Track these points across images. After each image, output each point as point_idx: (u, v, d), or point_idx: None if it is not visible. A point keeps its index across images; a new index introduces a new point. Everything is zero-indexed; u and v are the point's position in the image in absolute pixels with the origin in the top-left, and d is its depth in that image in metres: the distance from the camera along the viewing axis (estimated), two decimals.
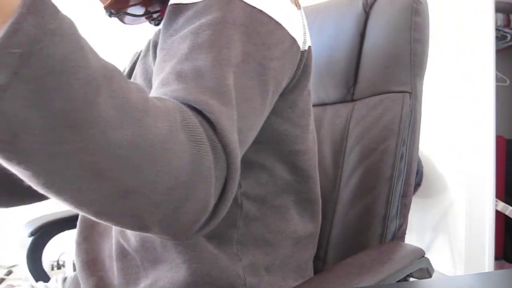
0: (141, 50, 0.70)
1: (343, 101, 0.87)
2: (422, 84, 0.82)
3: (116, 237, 0.60)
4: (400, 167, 0.78)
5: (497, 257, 2.19)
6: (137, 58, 0.72)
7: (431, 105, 2.23)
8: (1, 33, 0.25)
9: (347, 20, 0.88)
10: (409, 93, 0.80)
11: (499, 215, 2.12)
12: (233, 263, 0.57)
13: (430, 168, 2.28)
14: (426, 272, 0.73)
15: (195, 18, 0.49)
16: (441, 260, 2.26)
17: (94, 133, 0.29)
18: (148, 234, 0.48)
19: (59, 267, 2.26)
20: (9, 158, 0.28)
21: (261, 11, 0.51)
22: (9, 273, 2.26)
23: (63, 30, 0.28)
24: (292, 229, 0.63)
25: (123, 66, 0.76)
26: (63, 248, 2.13)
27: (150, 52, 0.60)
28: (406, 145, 0.79)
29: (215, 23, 0.47)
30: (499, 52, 2.21)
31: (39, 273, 0.86)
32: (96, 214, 0.34)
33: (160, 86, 0.44)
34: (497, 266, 2.22)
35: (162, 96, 0.41)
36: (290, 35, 0.54)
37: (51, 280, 0.79)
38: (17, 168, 0.29)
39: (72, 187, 0.30)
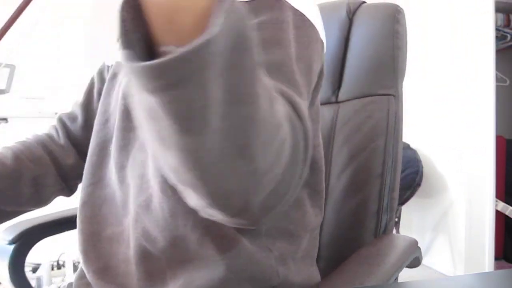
0: None
1: (327, 102, 0.92)
2: (402, 87, 0.89)
3: (137, 239, 0.58)
4: (389, 164, 0.83)
5: (497, 257, 2.20)
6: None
7: (431, 105, 2.23)
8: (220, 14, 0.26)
9: (331, 25, 0.93)
10: (394, 95, 0.86)
11: (499, 215, 2.13)
12: (266, 255, 0.59)
13: (430, 168, 2.28)
14: (418, 260, 0.79)
15: (253, 14, 0.51)
16: (441, 260, 2.26)
17: (250, 110, 0.30)
18: (182, 233, 0.53)
19: (59, 267, 2.26)
20: (191, 129, 0.29)
21: (302, 14, 0.54)
22: None
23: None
24: (307, 220, 0.65)
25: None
26: (63, 248, 2.14)
27: None
28: (392, 143, 0.84)
29: (275, 22, 0.51)
30: (499, 52, 2.21)
31: (22, 284, 0.80)
32: (220, 194, 0.34)
33: None
34: (497, 266, 2.22)
35: None
36: (320, 38, 0.58)
37: None
38: (185, 142, 0.29)
39: (219, 165, 0.31)
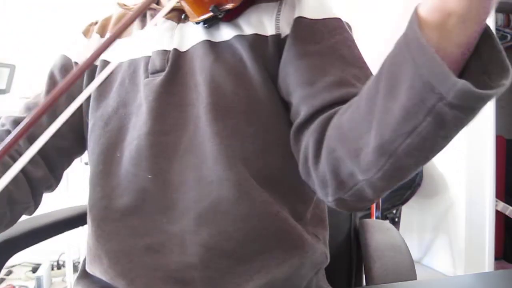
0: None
1: None
2: None
3: (204, 244, 0.57)
4: None
5: (497, 257, 2.20)
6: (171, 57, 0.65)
7: None
8: None
9: None
10: None
11: (499, 215, 2.12)
12: (316, 241, 0.65)
13: (430, 168, 2.29)
14: None
15: (332, 32, 0.60)
16: (441, 260, 2.26)
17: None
18: (257, 231, 0.58)
19: (59, 267, 2.26)
20: (448, 138, 0.41)
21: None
22: (9, 273, 2.27)
23: None
24: (323, 207, 0.72)
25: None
26: (63, 248, 2.14)
27: (240, 53, 0.61)
28: None
29: (350, 40, 0.61)
30: None
31: None
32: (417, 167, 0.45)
33: (337, 84, 0.55)
34: (497, 266, 2.22)
35: (350, 90, 0.53)
36: None
37: None
38: (443, 146, 0.41)
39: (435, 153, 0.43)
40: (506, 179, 2.29)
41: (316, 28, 0.60)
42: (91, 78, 0.69)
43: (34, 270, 2.23)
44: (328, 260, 0.69)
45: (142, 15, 0.69)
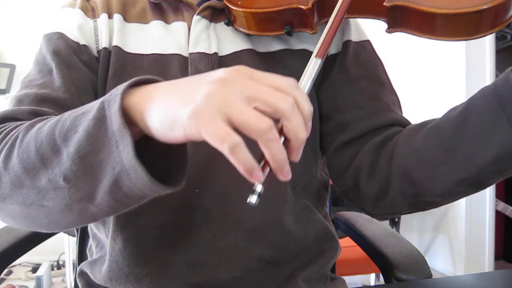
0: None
1: None
2: None
3: (254, 258, 0.57)
4: None
5: (497, 257, 2.20)
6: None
7: (431, 106, 2.23)
8: None
9: None
10: None
11: (499, 215, 2.12)
12: (330, 223, 0.69)
13: None
14: None
15: (370, 55, 0.66)
16: (441, 260, 2.26)
17: None
18: (307, 239, 0.62)
19: (59, 267, 2.26)
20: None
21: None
22: (9, 273, 2.27)
23: None
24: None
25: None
26: (63, 248, 2.13)
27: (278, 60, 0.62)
28: None
29: (381, 64, 0.66)
30: (499, 52, 2.21)
31: None
32: None
33: (384, 110, 0.61)
34: (497, 266, 2.22)
35: (394, 117, 0.61)
36: None
37: None
38: None
39: None
40: (506, 179, 2.28)
41: (358, 52, 0.65)
42: (105, 65, 0.60)
43: (34, 270, 2.23)
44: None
45: (171, 5, 0.63)
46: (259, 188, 0.35)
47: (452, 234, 2.18)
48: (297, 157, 0.36)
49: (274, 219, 0.58)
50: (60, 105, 0.54)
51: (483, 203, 2.05)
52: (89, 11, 0.63)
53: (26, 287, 2.15)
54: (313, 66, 0.42)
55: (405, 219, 2.36)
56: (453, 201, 0.57)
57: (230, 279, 0.56)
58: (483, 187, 0.51)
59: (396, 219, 2.28)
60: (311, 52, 0.56)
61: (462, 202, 2.10)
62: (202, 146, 0.55)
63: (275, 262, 0.59)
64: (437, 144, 0.51)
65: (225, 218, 0.56)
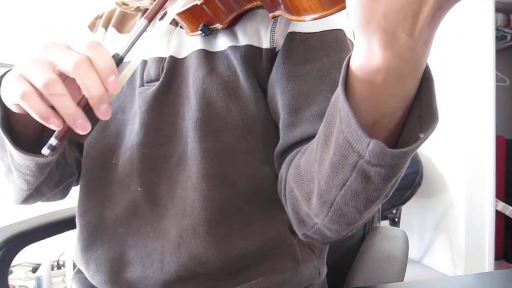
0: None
1: None
2: None
3: (182, 264, 0.56)
4: None
5: (497, 257, 2.20)
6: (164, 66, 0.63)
7: None
8: None
9: None
10: None
11: (499, 215, 2.13)
12: (309, 255, 0.64)
13: (430, 168, 2.28)
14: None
15: (327, 49, 0.55)
16: (441, 260, 2.26)
17: None
18: (238, 252, 0.56)
19: (59, 267, 2.26)
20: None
21: None
22: (9, 273, 2.27)
23: None
24: None
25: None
26: (63, 248, 2.14)
27: (232, 66, 0.58)
28: None
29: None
30: (499, 52, 2.21)
31: None
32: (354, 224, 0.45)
33: (320, 117, 0.51)
34: (497, 266, 2.22)
35: None
36: None
37: None
38: (375, 193, 0.38)
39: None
40: (506, 179, 2.29)
41: (309, 44, 0.56)
42: None
43: (34, 270, 2.23)
44: (322, 276, 0.66)
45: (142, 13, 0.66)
46: (53, 141, 0.39)
47: (452, 234, 2.18)
48: (104, 114, 0.38)
49: (200, 228, 0.56)
50: None
51: (483, 203, 2.05)
52: (94, 26, 0.72)
53: (26, 287, 2.15)
54: (136, 28, 0.43)
55: (405, 219, 2.37)
56: (342, 228, 0.46)
57: (161, 282, 0.58)
58: (341, 209, 0.43)
59: (396, 219, 2.29)
60: (256, 48, 0.57)
61: (462, 202, 2.10)
62: (153, 148, 0.59)
63: (207, 275, 0.58)
64: (311, 156, 0.46)
65: (163, 219, 0.58)
